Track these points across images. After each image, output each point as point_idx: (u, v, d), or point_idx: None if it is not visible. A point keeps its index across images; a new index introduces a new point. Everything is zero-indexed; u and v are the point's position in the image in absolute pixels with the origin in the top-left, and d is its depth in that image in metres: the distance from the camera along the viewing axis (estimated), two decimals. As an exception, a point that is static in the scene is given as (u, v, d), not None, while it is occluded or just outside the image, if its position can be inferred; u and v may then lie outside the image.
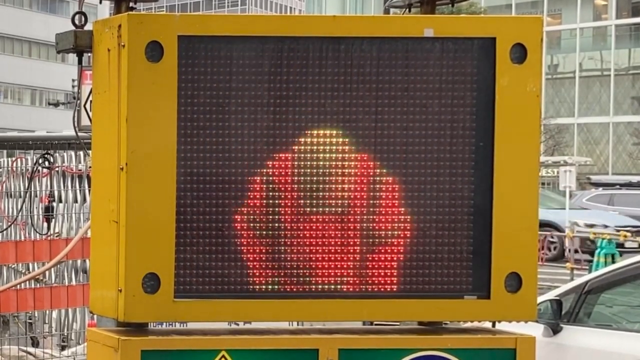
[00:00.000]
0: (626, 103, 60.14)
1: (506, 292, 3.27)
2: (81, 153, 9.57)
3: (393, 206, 3.24)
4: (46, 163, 8.82)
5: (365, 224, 3.24)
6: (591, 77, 61.57)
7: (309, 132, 3.21)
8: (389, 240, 3.25)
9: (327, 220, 3.23)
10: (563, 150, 55.65)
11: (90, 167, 3.55)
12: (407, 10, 3.55)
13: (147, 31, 3.15)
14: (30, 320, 10.72)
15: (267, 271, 3.22)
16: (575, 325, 7.12)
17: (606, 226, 24.96)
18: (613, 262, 18.33)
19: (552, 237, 25.63)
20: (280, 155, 3.21)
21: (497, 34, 3.25)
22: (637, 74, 60.28)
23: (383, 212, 3.24)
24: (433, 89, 3.25)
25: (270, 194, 3.21)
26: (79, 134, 4.02)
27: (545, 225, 24.58)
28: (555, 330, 7.04)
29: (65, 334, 10.00)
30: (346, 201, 3.24)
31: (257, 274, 3.21)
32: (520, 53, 3.25)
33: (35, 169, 9.29)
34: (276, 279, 3.22)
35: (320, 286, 3.23)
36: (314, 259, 3.23)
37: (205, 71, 3.18)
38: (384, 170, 3.23)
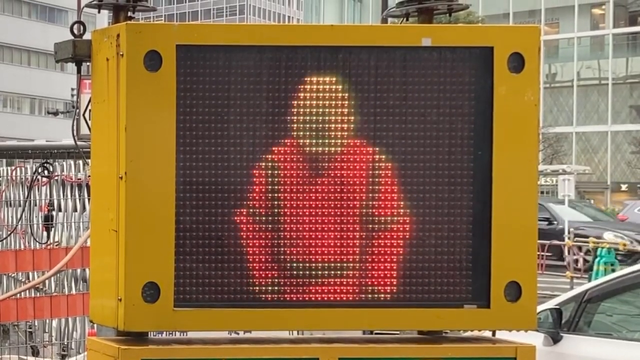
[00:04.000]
0: (624, 112, 60.22)
1: (506, 301, 3.26)
2: (80, 162, 9.57)
3: (392, 215, 3.24)
4: (45, 172, 8.82)
5: (365, 233, 3.24)
6: (589, 86, 61.66)
7: (307, 141, 3.22)
8: (389, 249, 3.25)
9: (327, 229, 3.23)
10: (562, 159, 55.69)
11: (89, 176, 3.55)
12: (405, 19, 3.55)
13: (145, 40, 3.15)
14: (30, 329, 10.72)
15: (267, 280, 3.22)
16: (576, 334, 7.12)
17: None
18: (612, 270, 18.33)
19: None
20: (279, 164, 3.21)
21: (494, 43, 3.25)
22: (634, 82, 60.36)
23: (382, 221, 3.24)
24: (431, 98, 3.25)
25: (270, 202, 3.21)
26: (78, 142, 4.03)
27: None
28: (556, 339, 7.03)
29: (66, 343, 9.99)
30: (345, 210, 3.24)
31: (257, 283, 3.21)
32: (517, 62, 3.26)
33: (34, 177, 9.29)
34: (276, 288, 3.22)
35: (320, 295, 3.23)
36: (314, 267, 3.23)
37: (204, 80, 3.18)
38: (383, 179, 3.24)
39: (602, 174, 60.12)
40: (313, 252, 3.23)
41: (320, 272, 3.23)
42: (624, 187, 59.87)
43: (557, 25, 63.16)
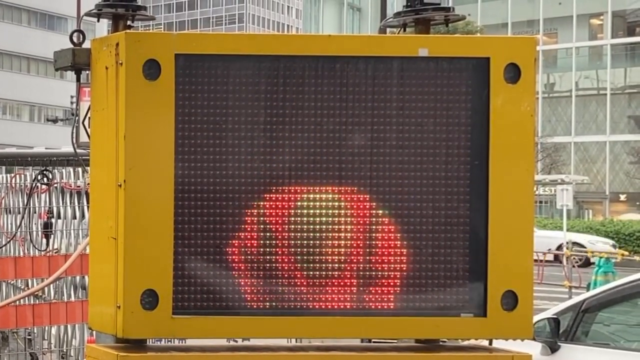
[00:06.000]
0: (623, 122, 60.22)
1: (502, 310, 3.27)
2: (80, 169, 9.56)
3: (389, 224, 3.25)
4: (45, 179, 8.81)
5: (362, 242, 3.25)
6: (587, 96, 61.68)
7: (305, 150, 3.23)
8: (386, 258, 3.25)
9: (324, 237, 3.24)
10: (560, 169, 55.66)
11: (88, 183, 3.56)
12: (402, 29, 3.57)
13: (144, 49, 3.17)
14: (29, 337, 10.69)
15: (266, 288, 3.23)
16: (573, 344, 7.12)
17: None
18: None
19: None
20: (277, 172, 3.22)
21: (491, 54, 3.27)
22: (633, 93, 60.39)
23: (379, 229, 3.25)
24: (428, 108, 3.27)
25: (268, 211, 3.22)
26: (78, 150, 4.03)
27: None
28: (553, 348, 7.04)
29: (65, 350, 9.97)
30: (343, 218, 3.25)
31: (256, 290, 3.22)
32: (514, 73, 3.27)
33: (34, 185, 9.28)
34: (274, 295, 3.23)
35: (318, 303, 3.24)
36: (312, 275, 3.24)
37: (203, 89, 3.20)
38: (380, 188, 3.25)
39: (601, 184, 60.09)
40: (312, 260, 3.24)
41: (318, 281, 3.24)
42: (622, 197, 59.88)
43: (556, 35, 63.19)
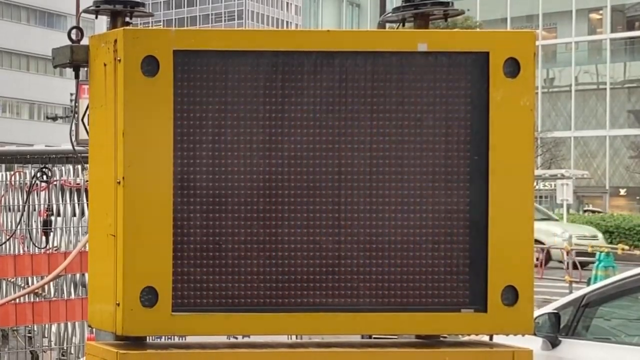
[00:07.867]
0: (622, 116, 60.31)
1: (503, 305, 3.27)
2: (79, 167, 9.55)
3: (389, 219, 3.25)
4: (44, 177, 8.81)
5: (361, 238, 3.25)
6: (587, 91, 61.78)
7: (305, 146, 3.23)
8: (386, 253, 3.26)
9: (324, 233, 3.24)
10: (560, 164, 55.75)
11: (87, 180, 3.56)
12: (401, 24, 3.57)
13: (142, 46, 3.16)
14: (29, 334, 10.70)
15: (265, 284, 3.23)
16: (574, 339, 7.12)
17: None
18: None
19: None
20: (276, 168, 3.22)
21: (490, 49, 3.27)
22: (632, 87, 60.48)
23: (379, 225, 3.25)
24: (427, 103, 3.27)
25: (267, 207, 3.22)
26: (77, 147, 4.02)
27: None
28: (554, 343, 7.04)
29: (65, 348, 9.98)
30: (343, 214, 3.25)
31: (255, 287, 3.22)
32: (513, 67, 3.27)
33: (33, 182, 9.28)
34: (274, 292, 3.23)
35: (318, 299, 3.24)
36: (311, 272, 3.24)
37: (201, 85, 3.19)
38: (380, 184, 3.25)
39: (601, 179, 60.18)
40: (311, 256, 3.24)
41: (318, 277, 3.24)
42: (622, 191, 59.99)
43: (555, 30, 63.27)
